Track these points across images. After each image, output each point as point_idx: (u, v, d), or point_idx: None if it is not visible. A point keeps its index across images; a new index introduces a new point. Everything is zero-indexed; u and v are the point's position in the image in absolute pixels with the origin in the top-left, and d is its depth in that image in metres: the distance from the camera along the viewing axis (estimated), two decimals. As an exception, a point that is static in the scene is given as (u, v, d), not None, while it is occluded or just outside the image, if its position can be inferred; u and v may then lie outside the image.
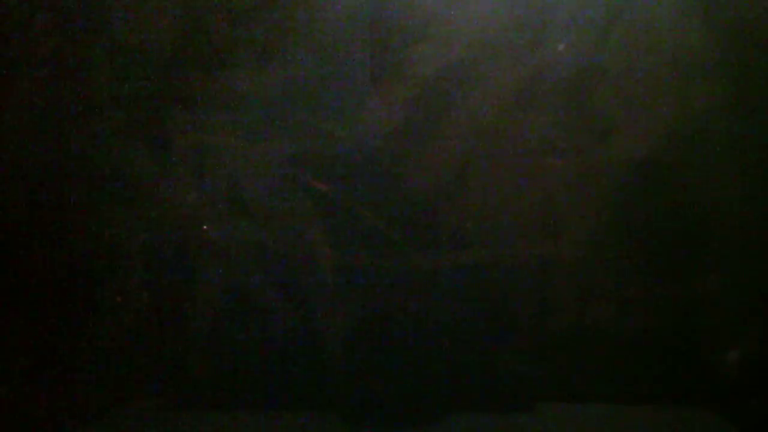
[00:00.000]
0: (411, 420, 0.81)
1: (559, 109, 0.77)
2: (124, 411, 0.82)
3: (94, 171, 0.79)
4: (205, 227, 0.79)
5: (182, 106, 0.78)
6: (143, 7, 0.77)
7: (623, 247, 0.79)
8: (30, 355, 0.81)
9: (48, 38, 0.78)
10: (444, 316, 0.79)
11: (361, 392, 0.80)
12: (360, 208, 0.79)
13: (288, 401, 0.81)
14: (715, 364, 0.80)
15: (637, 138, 0.78)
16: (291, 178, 0.79)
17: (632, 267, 0.79)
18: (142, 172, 0.79)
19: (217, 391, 0.81)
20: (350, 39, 0.77)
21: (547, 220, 0.79)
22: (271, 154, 0.78)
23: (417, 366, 0.80)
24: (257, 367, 0.81)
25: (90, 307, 0.80)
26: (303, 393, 0.80)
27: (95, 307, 0.80)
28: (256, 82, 0.78)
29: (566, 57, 0.77)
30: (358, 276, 0.79)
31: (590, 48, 0.77)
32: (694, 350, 0.80)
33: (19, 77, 0.78)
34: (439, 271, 0.79)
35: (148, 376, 0.81)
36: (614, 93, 0.77)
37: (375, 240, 0.79)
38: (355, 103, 0.78)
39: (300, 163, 0.78)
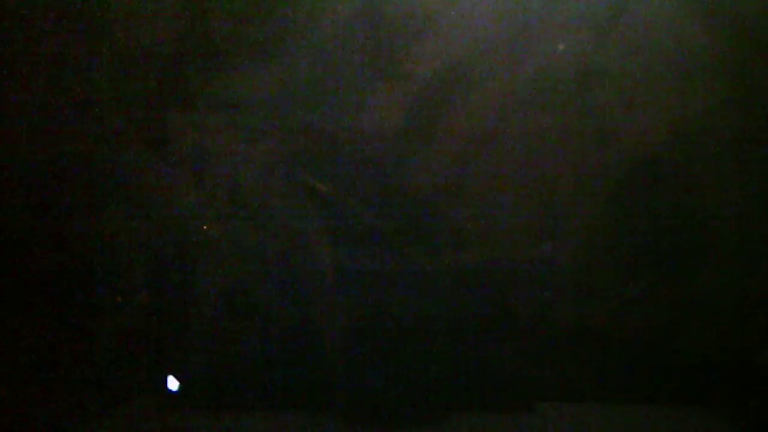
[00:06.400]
0: (411, 420, 0.81)
1: (560, 109, 0.78)
2: (124, 411, 0.82)
3: (94, 171, 0.79)
4: (205, 227, 0.79)
5: (182, 106, 0.78)
6: (143, 7, 0.77)
7: (623, 247, 0.79)
8: (30, 355, 0.81)
9: (48, 38, 0.78)
10: (444, 316, 0.79)
11: (361, 392, 0.81)
12: (360, 208, 0.79)
13: (288, 401, 0.81)
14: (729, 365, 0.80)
15: (637, 138, 0.78)
16: (291, 178, 0.79)
17: (632, 267, 0.79)
18: (142, 172, 0.79)
19: (217, 391, 0.81)
20: (350, 38, 0.77)
21: (547, 220, 0.79)
22: (271, 154, 0.78)
23: (417, 366, 0.80)
24: (257, 367, 0.81)
25: (90, 307, 0.80)
26: (303, 393, 0.80)
27: (95, 307, 0.80)
28: (256, 82, 0.78)
29: (564, 57, 0.77)
30: (358, 276, 0.79)
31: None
32: (694, 350, 0.80)
33: (19, 77, 0.78)
34: (439, 271, 0.79)
35: (148, 376, 0.81)
36: (613, 93, 0.77)
37: (375, 240, 0.79)
38: (355, 102, 0.78)
39: (300, 163, 0.78)
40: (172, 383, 0.81)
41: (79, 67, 0.78)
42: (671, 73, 0.77)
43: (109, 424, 0.82)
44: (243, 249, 0.80)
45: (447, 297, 0.79)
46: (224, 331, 0.80)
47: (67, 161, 0.79)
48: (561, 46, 0.77)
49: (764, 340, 0.80)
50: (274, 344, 0.80)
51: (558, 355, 0.80)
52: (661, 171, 0.78)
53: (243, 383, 0.81)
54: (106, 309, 0.80)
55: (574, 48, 0.77)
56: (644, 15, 0.77)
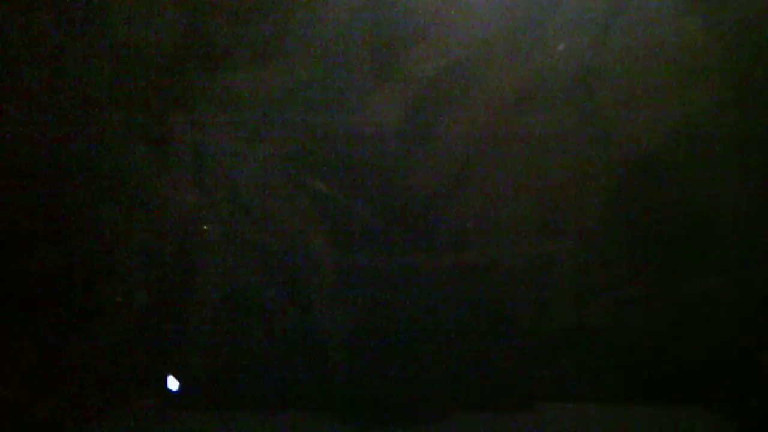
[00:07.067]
0: (411, 420, 0.81)
1: (560, 109, 0.78)
2: (124, 411, 0.82)
3: (94, 171, 0.79)
4: (205, 227, 0.79)
5: (182, 106, 0.78)
6: (143, 7, 0.77)
7: (623, 247, 0.79)
8: (30, 355, 0.81)
9: (48, 38, 0.78)
10: (444, 316, 0.79)
11: (361, 392, 0.81)
12: (360, 208, 0.79)
13: (288, 401, 0.81)
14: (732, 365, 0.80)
15: (637, 137, 0.78)
16: (291, 178, 0.79)
17: (632, 267, 0.79)
18: (142, 172, 0.79)
19: (217, 391, 0.81)
20: (350, 38, 0.77)
21: (547, 219, 0.79)
22: (271, 154, 0.78)
23: (417, 366, 0.80)
24: (257, 367, 0.81)
25: (90, 307, 0.80)
26: (303, 393, 0.80)
27: (95, 306, 0.80)
28: (256, 82, 0.78)
29: (564, 57, 0.77)
30: (358, 276, 0.79)
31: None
32: (694, 350, 0.80)
33: (19, 77, 0.78)
34: (439, 271, 0.79)
35: (148, 376, 0.81)
36: (613, 93, 0.77)
37: (375, 240, 0.79)
38: (355, 102, 0.78)
39: (300, 163, 0.79)
40: (172, 383, 0.81)
41: (78, 67, 0.78)
42: (671, 72, 0.77)
43: (109, 424, 0.82)
44: (243, 249, 0.80)
45: (447, 297, 0.79)
46: (224, 331, 0.80)
47: (67, 161, 0.79)
48: (561, 46, 0.77)
49: (765, 340, 0.80)
50: (273, 344, 0.80)
51: (558, 355, 0.80)
52: (661, 170, 0.78)
53: (243, 383, 0.81)
54: (106, 309, 0.80)
55: (574, 48, 0.77)
56: (644, 14, 0.77)
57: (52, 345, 0.81)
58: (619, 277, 0.80)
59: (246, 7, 0.77)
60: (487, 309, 0.80)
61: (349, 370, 0.80)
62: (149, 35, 0.77)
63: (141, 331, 0.80)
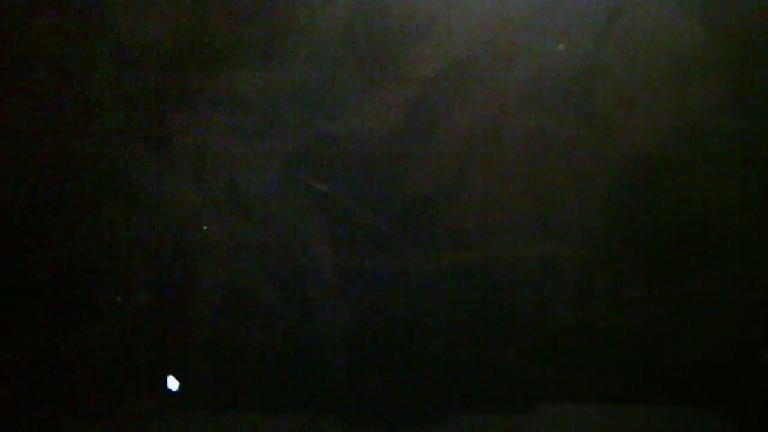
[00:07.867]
0: (411, 420, 0.81)
1: (559, 109, 0.78)
2: (124, 411, 0.82)
3: (95, 171, 0.79)
4: (205, 227, 0.79)
5: (182, 106, 0.78)
6: (143, 7, 0.77)
7: (623, 247, 0.79)
8: (30, 355, 0.81)
9: (48, 38, 0.78)
10: (444, 316, 0.79)
11: (361, 392, 0.81)
12: (360, 208, 0.79)
13: (288, 401, 0.81)
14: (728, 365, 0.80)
15: (637, 138, 0.78)
16: (291, 178, 0.79)
17: (632, 267, 0.79)
18: (142, 172, 0.79)
19: (217, 391, 0.81)
20: (351, 38, 0.77)
21: (547, 220, 0.79)
22: (271, 154, 0.78)
23: (417, 366, 0.80)
24: (257, 367, 0.81)
25: (90, 307, 0.80)
26: (303, 393, 0.80)
27: (95, 306, 0.80)
28: (256, 82, 0.78)
29: (563, 56, 0.77)
30: (358, 276, 0.79)
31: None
32: (694, 350, 0.80)
33: (19, 77, 0.78)
34: (439, 271, 0.79)
35: (148, 376, 0.81)
36: (613, 93, 0.77)
37: (375, 240, 0.79)
38: (355, 102, 0.78)
39: (300, 163, 0.79)
40: (172, 383, 0.81)
41: (78, 66, 0.78)
42: (671, 72, 0.77)
43: (109, 424, 0.82)
44: (243, 249, 0.80)
45: (447, 297, 0.79)
46: (224, 331, 0.80)
47: (68, 161, 0.79)
48: (561, 46, 0.77)
49: (764, 340, 0.80)
50: (274, 344, 0.80)
51: (558, 355, 0.80)
52: (661, 170, 0.78)
53: (243, 383, 0.81)
54: (106, 309, 0.80)
55: (575, 48, 0.77)
56: (644, 14, 0.77)
57: (52, 345, 0.81)
58: (620, 277, 0.80)
59: (246, 7, 0.77)
60: (487, 309, 0.80)
61: (349, 371, 0.80)
62: (150, 35, 0.77)
63: (141, 331, 0.80)
